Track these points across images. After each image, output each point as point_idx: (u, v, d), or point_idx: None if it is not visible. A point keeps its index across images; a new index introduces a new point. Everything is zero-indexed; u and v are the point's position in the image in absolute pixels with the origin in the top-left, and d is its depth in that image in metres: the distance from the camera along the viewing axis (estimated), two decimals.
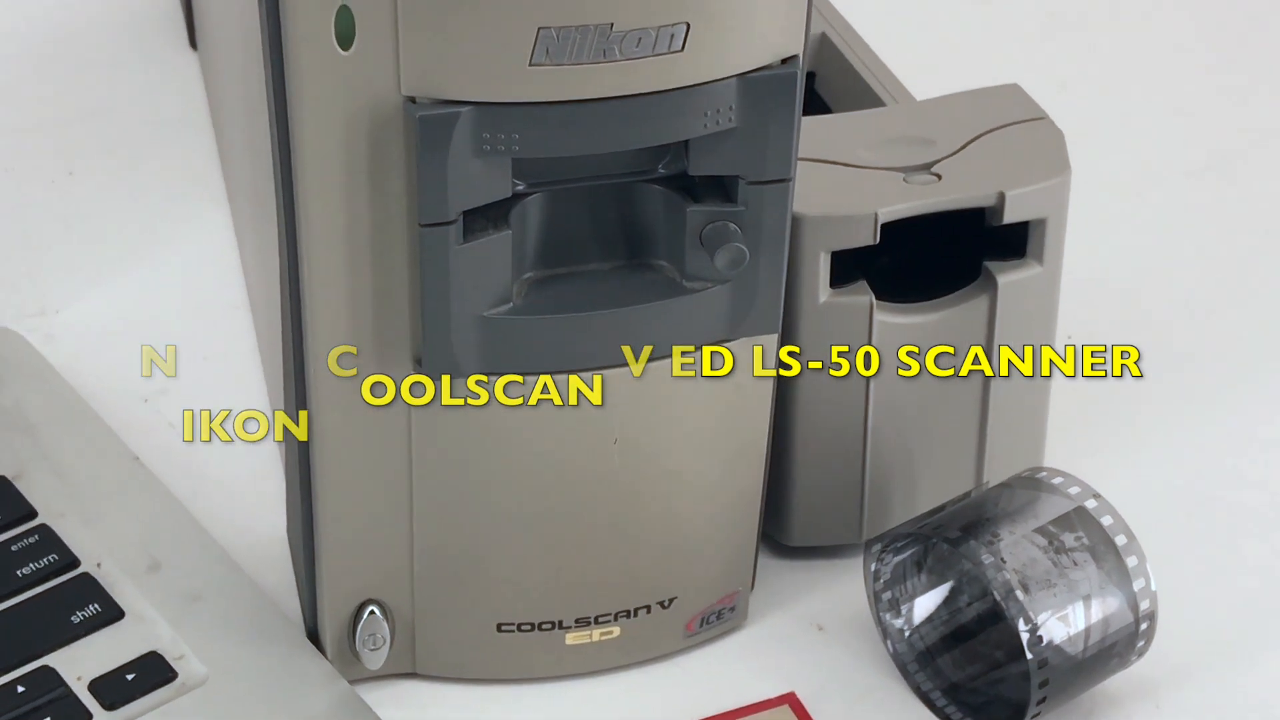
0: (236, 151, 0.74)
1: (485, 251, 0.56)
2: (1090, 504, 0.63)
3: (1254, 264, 0.83)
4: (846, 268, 0.65)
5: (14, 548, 0.66)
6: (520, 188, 0.56)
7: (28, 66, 0.91)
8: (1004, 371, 0.67)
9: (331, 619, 0.63)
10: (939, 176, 0.65)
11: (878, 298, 0.65)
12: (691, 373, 0.59)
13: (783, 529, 0.69)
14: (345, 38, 0.52)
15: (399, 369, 0.58)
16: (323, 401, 0.58)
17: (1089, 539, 0.62)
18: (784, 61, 0.55)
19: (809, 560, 0.70)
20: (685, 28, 0.53)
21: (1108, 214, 0.85)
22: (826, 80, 0.78)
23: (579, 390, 0.58)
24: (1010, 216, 0.65)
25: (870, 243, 0.64)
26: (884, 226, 0.64)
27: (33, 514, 0.67)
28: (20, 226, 0.83)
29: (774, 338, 0.60)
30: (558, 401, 0.58)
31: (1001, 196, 0.65)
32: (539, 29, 0.52)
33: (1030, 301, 0.67)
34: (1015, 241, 0.66)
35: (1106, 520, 0.63)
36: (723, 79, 0.54)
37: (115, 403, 0.74)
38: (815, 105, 0.78)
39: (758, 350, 0.60)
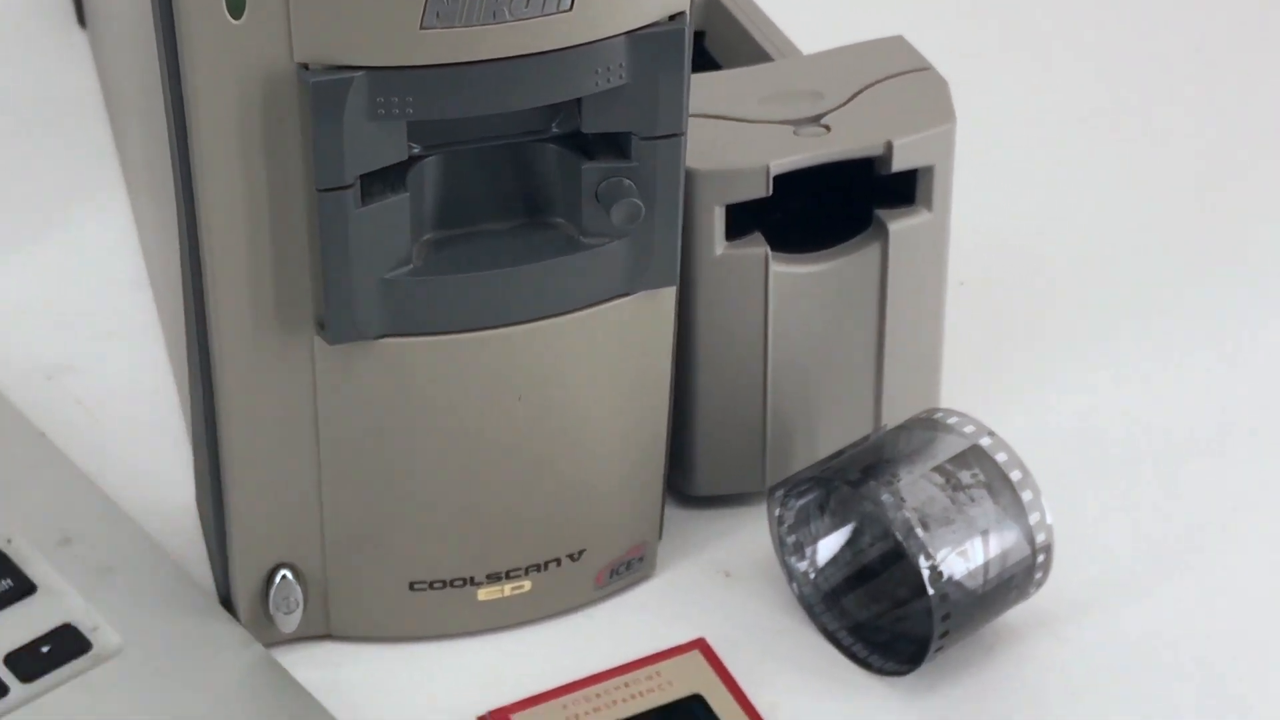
0: (131, 128, 0.75)
1: (383, 215, 0.56)
2: (985, 441, 0.64)
3: (1145, 208, 0.85)
4: (742, 220, 0.67)
5: None
6: (416, 150, 0.57)
7: None
8: (896, 318, 0.69)
9: (244, 584, 0.64)
10: (828, 128, 0.67)
11: (773, 249, 0.67)
12: (592, 328, 0.60)
13: (687, 479, 0.70)
14: (236, 6, 0.52)
15: (302, 334, 0.59)
16: (226, 369, 0.59)
17: (985, 475, 0.64)
18: (672, 18, 0.56)
19: (715, 509, 0.71)
20: None
21: (999, 161, 0.86)
22: (716, 38, 0.79)
23: (481, 349, 0.59)
24: (898, 165, 0.66)
25: (763, 195, 0.65)
26: (776, 179, 0.66)
27: None
28: None
29: (672, 290, 0.61)
30: (460, 361, 0.59)
31: (889, 146, 0.66)
32: None
33: (921, 248, 0.68)
34: (904, 190, 0.68)
35: (1001, 457, 0.64)
36: (612, 37, 0.55)
37: (18, 381, 0.75)
38: (705, 63, 0.78)
39: (656, 303, 0.61)
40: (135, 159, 0.76)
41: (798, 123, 0.67)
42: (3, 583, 0.65)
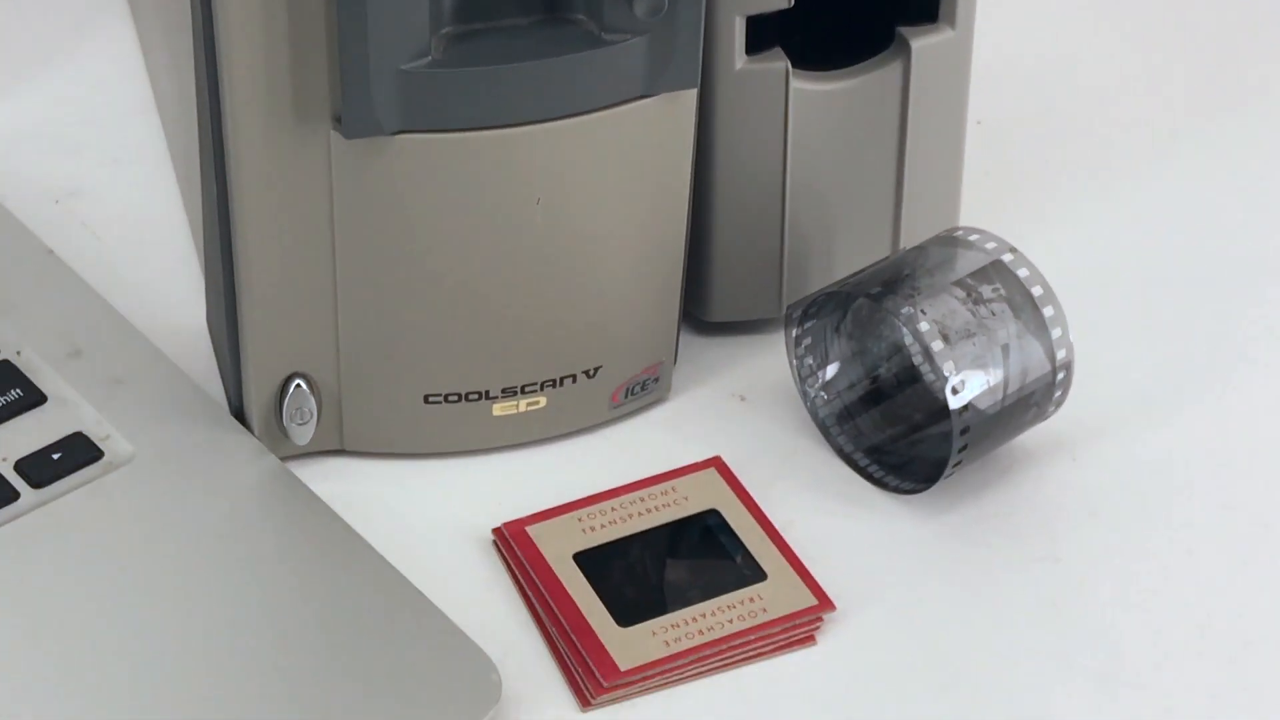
0: None
1: (402, 3, 0.55)
2: (1007, 258, 0.64)
3: (1168, 43, 0.84)
4: (763, 35, 0.65)
5: None
6: None
7: None
8: (917, 139, 0.68)
9: (258, 394, 0.63)
10: None
11: (794, 66, 0.66)
12: (612, 129, 0.59)
13: (703, 305, 0.69)
14: None
15: (318, 130, 0.58)
16: (242, 167, 0.58)
17: (1006, 290, 0.63)
18: None
19: (730, 336, 0.70)
20: None
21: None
22: None
23: (499, 148, 0.58)
24: None
25: (784, 5, 0.64)
26: None
27: None
28: None
29: (693, 95, 0.61)
30: (478, 160, 0.58)
31: None
32: None
33: (943, 66, 0.67)
34: (928, 6, 0.67)
35: (1023, 272, 0.64)
36: None
37: (27, 205, 0.74)
38: None
39: (677, 107, 0.60)
40: None
41: None
42: (12, 393, 0.64)
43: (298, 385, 0.63)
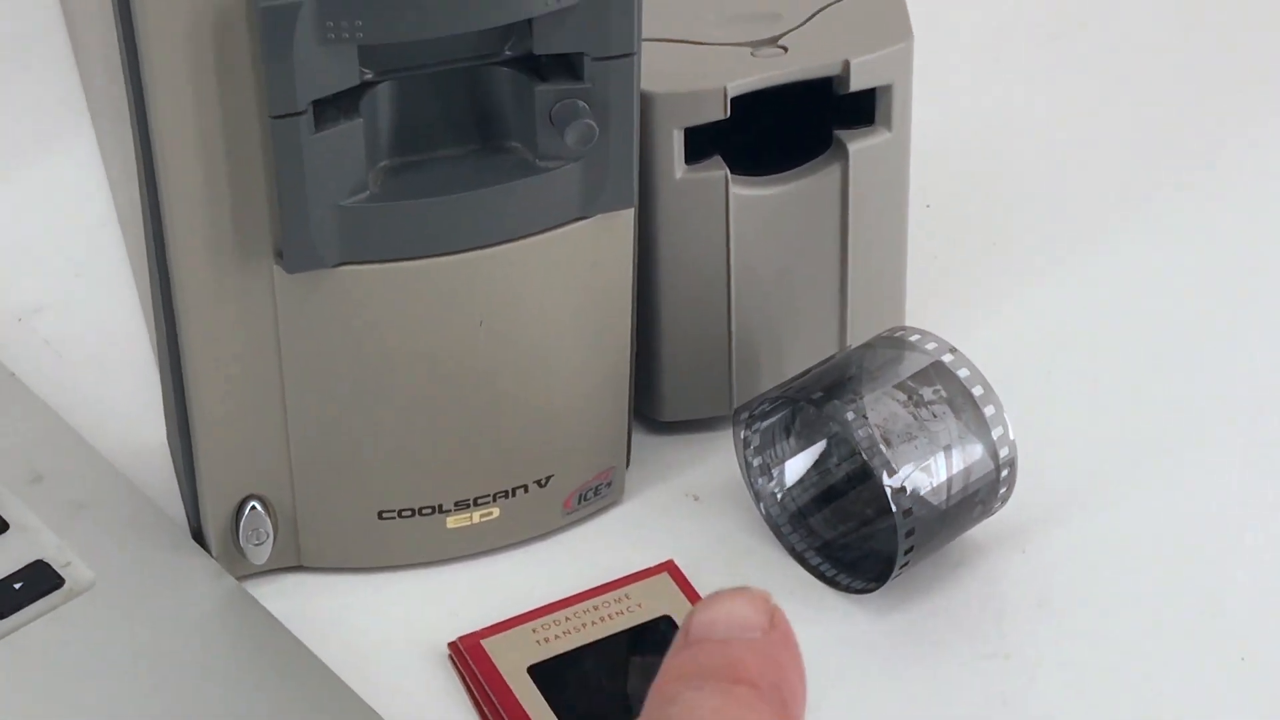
0: (93, 62, 0.75)
1: (338, 140, 0.56)
2: (947, 358, 0.65)
3: (1110, 124, 0.85)
4: (702, 143, 0.67)
5: None
6: (369, 76, 0.57)
7: None
8: (859, 238, 0.69)
9: (214, 516, 0.64)
10: (785, 49, 0.67)
11: (734, 172, 0.67)
12: (550, 252, 0.60)
13: (655, 405, 0.70)
14: None
15: (261, 263, 0.59)
16: (187, 300, 0.59)
17: (947, 391, 0.64)
18: None
19: (683, 434, 0.71)
20: None
21: (964, 79, 0.86)
22: None
23: (441, 275, 0.59)
24: (856, 84, 0.66)
25: (720, 117, 0.65)
26: (735, 100, 0.66)
27: None
28: None
29: (630, 213, 0.62)
30: (420, 287, 0.59)
31: (846, 65, 0.66)
32: None
33: (882, 167, 0.68)
34: (864, 109, 0.68)
35: (963, 373, 0.65)
36: None
37: None
38: None
39: (614, 226, 0.61)
40: (99, 93, 0.76)
41: (755, 44, 0.67)
42: None
43: (253, 507, 0.64)
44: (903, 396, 0.64)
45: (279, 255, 0.58)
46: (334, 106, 0.56)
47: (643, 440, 0.71)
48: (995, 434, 0.64)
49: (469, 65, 0.58)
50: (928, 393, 0.64)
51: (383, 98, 0.57)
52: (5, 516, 0.66)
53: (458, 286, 0.60)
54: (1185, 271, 0.78)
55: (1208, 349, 0.74)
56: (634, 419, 0.70)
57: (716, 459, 0.70)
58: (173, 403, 0.63)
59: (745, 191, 0.67)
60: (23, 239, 0.79)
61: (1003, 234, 0.80)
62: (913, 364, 0.65)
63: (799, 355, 0.70)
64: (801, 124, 0.68)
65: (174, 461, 0.68)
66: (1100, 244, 0.79)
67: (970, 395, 0.64)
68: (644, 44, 0.65)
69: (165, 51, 0.54)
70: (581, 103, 0.58)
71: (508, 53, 0.58)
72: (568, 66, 0.58)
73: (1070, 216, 0.80)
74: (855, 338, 0.71)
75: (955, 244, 0.79)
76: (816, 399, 0.64)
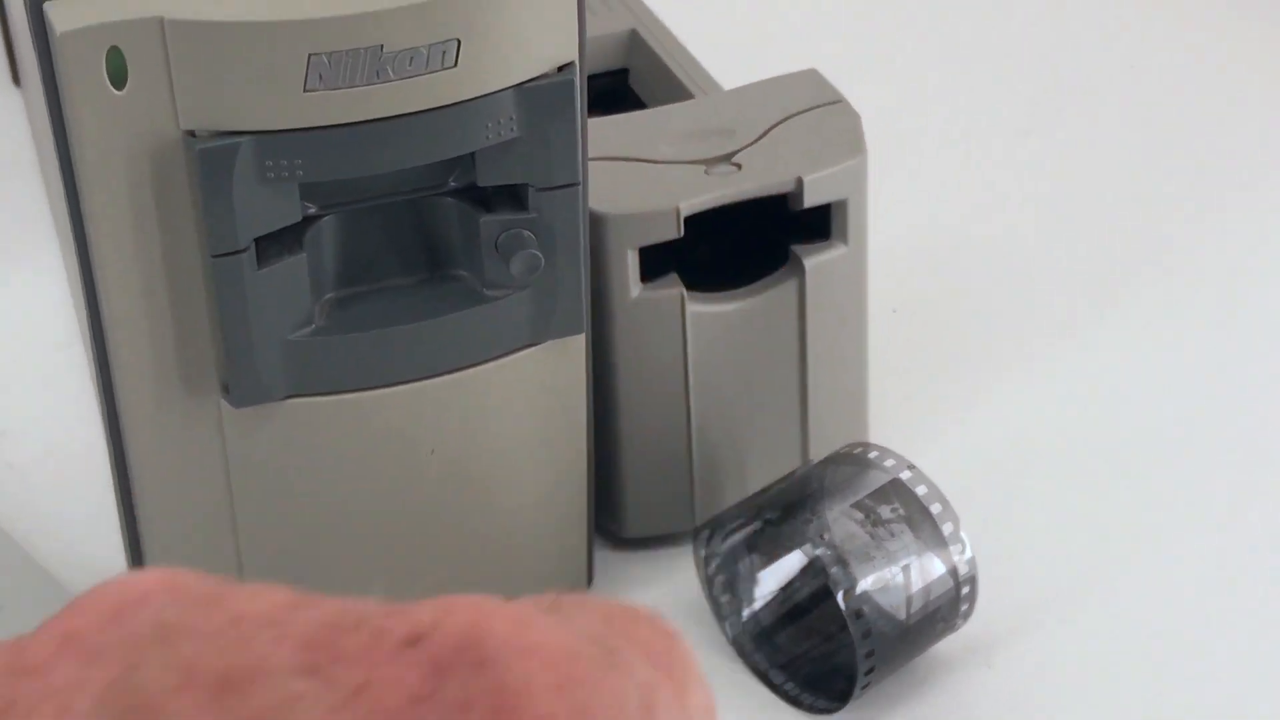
0: (52, 183, 0.75)
1: (281, 276, 0.56)
2: (905, 475, 0.64)
3: (1070, 228, 0.85)
4: (658, 261, 0.66)
5: None
6: (312, 210, 0.57)
7: None
8: (818, 352, 0.69)
9: None
10: (739, 166, 0.67)
11: (692, 288, 0.67)
12: (501, 379, 0.60)
13: (617, 522, 0.70)
14: (118, 78, 0.52)
15: (208, 396, 0.59)
16: (135, 432, 0.59)
17: (905, 509, 0.64)
18: (561, 69, 0.56)
19: (646, 551, 0.71)
20: (456, 44, 0.53)
21: (928, 187, 0.86)
22: (639, 76, 0.79)
23: (389, 405, 0.59)
24: (810, 200, 0.66)
25: (674, 236, 0.65)
26: (692, 218, 0.66)
27: None
28: None
29: (581, 337, 0.61)
30: (369, 418, 0.59)
31: (799, 182, 0.66)
32: (310, 55, 0.52)
33: (838, 281, 0.68)
34: (819, 224, 0.68)
35: (921, 490, 0.64)
36: (499, 91, 0.55)
37: None
38: (629, 100, 0.79)
39: (565, 351, 0.61)
40: (59, 214, 0.76)
41: (709, 162, 0.67)
42: None
43: None
44: (860, 515, 0.63)
45: (225, 389, 0.58)
46: (277, 242, 0.56)
47: (605, 557, 0.70)
48: (954, 551, 0.64)
49: (414, 197, 0.58)
50: (885, 511, 0.64)
51: (327, 231, 0.57)
52: None
53: (407, 416, 0.60)
54: (1148, 380, 0.77)
55: (1171, 458, 0.74)
56: (596, 535, 0.69)
57: (680, 575, 0.70)
58: (125, 528, 0.63)
59: (702, 308, 0.67)
60: None
61: (969, 340, 0.79)
62: (871, 481, 0.64)
63: (761, 469, 0.70)
64: (758, 238, 0.68)
65: None
66: (1066, 351, 0.79)
67: (928, 512, 0.64)
68: (597, 163, 0.65)
69: (104, 189, 0.54)
70: (527, 233, 0.58)
71: (453, 184, 0.58)
72: (513, 196, 0.58)
73: (1036, 322, 0.80)
74: (817, 450, 0.70)
75: (921, 351, 0.79)
76: (774, 519, 0.64)
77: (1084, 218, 0.85)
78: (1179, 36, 0.96)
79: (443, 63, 0.54)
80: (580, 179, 0.58)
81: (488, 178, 0.57)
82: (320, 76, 0.53)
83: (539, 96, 0.56)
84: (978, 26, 0.96)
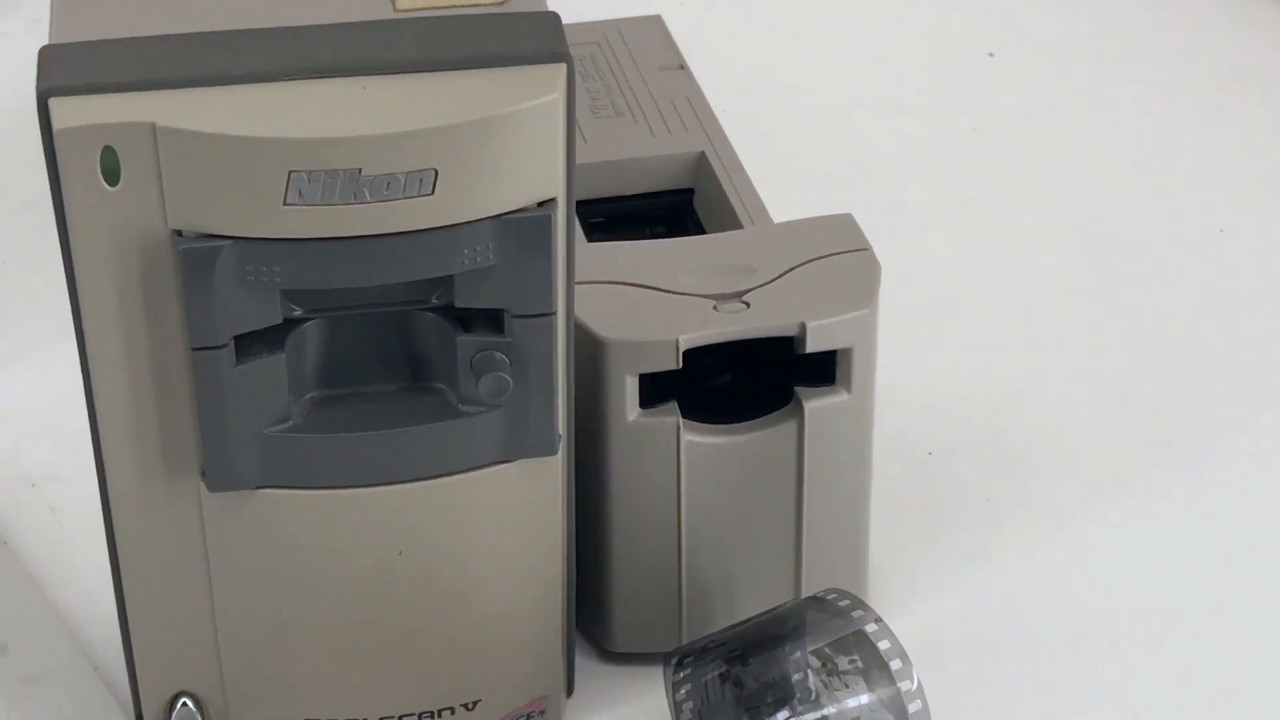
0: None
1: (259, 373, 0.59)
2: (870, 628, 0.65)
3: (1118, 380, 0.84)
4: (661, 387, 0.68)
5: None
6: (297, 313, 0.59)
7: None
8: (815, 493, 0.69)
9: (149, 709, 0.66)
10: (748, 304, 0.68)
11: (690, 417, 0.68)
12: (471, 491, 0.62)
13: (605, 634, 0.71)
14: (111, 175, 0.55)
15: (189, 479, 0.61)
16: (119, 508, 0.62)
17: (864, 662, 0.64)
18: (541, 204, 0.58)
19: (633, 665, 0.72)
20: (434, 173, 0.56)
21: (979, 336, 0.86)
22: (702, 197, 0.80)
23: (359, 504, 0.61)
24: (813, 346, 0.67)
25: (673, 367, 0.67)
26: (701, 349, 0.67)
27: None
28: None
29: (555, 459, 0.63)
30: (338, 515, 0.61)
31: (803, 327, 0.67)
32: (290, 172, 0.55)
33: (839, 428, 0.69)
34: (825, 368, 0.69)
35: (884, 645, 0.65)
36: (476, 221, 0.57)
37: (2, 486, 0.78)
38: (690, 221, 0.80)
39: (540, 470, 0.63)
40: None
41: (720, 297, 0.68)
42: None
43: (184, 704, 0.66)
44: (817, 664, 0.64)
45: (203, 473, 0.61)
46: (259, 340, 0.59)
47: (591, 667, 0.72)
48: (910, 709, 0.64)
49: (396, 310, 0.60)
50: (844, 661, 0.64)
51: (310, 335, 0.60)
52: None
53: (376, 517, 0.62)
54: (1174, 564, 0.76)
55: (1183, 653, 0.73)
56: (586, 645, 0.71)
57: (662, 693, 0.71)
58: (116, 595, 0.66)
59: (698, 439, 0.68)
60: (53, 406, 0.82)
61: (1001, 492, 0.79)
62: (835, 629, 0.65)
63: (752, 598, 0.71)
64: (767, 374, 0.69)
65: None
66: (1098, 518, 0.78)
67: (887, 667, 0.64)
68: (609, 287, 0.67)
69: (95, 276, 0.57)
70: (500, 355, 0.59)
71: (435, 301, 0.60)
72: (492, 318, 0.60)
73: (1071, 484, 0.80)
74: (812, 584, 0.71)
75: (948, 497, 0.79)
76: (738, 654, 0.65)
77: (1137, 384, 0.84)
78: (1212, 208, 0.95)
79: (419, 189, 0.56)
80: (555, 309, 0.59)
81: (465, 300, 0.59)
82: (299, 192, 0.55)
83: (516, 229, 0.58)
84: (1034, 183, 0.96)
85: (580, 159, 0.80)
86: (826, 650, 0.64)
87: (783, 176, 0.88)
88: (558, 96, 0.57)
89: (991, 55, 1.02)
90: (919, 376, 0.83)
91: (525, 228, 0.58)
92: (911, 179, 0.95)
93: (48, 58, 0.56)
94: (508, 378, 0.59)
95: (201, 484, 0.61)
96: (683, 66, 0.86)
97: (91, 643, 0.72)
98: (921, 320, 0.86)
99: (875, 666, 0.64)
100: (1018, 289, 0.89)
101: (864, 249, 0.70)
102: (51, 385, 0.83)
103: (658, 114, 0.83)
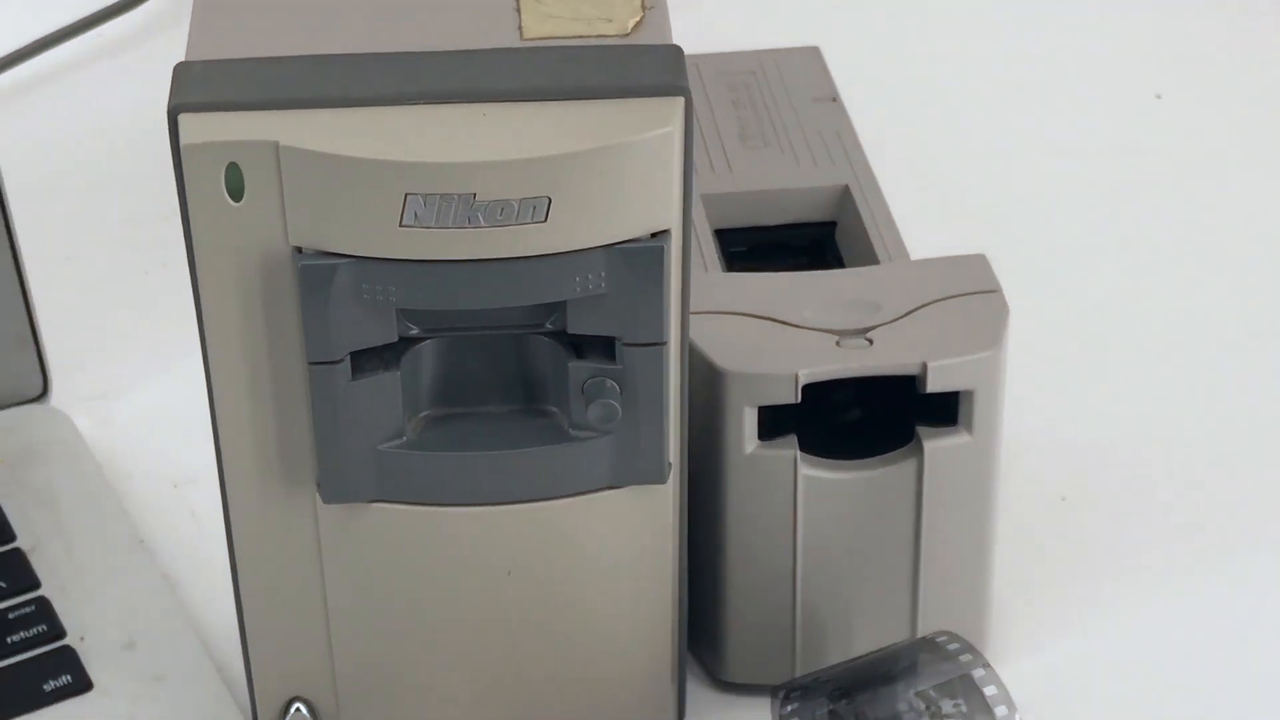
0: None
1: (374, 390, 0.60)
2: (977, 673, 0.65)
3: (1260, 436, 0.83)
4: (781, 419, 0.68)
5: (11, 615, 0.73)
6: (414, 332, 0.60)
7: (147, 161, 0.98)
8: (934, 534, 0.69)
9: (264, 712, 0.68)
10: (870, 341, 0.68)
11: (810, 452, 0.68)
12: (580, 515, 0.63)
13: (720, 665, 0.72)
14: (235, 191, 0.57)
15: (306, 490, 0.63)
16: (238, 518, 0.63)
17: (968, 707, 0.64)
18: (654, 235, 0.58)
19: (748, 696, 0.72)
20: (547, 201, 0.56)
21: (1118, 379, 0.85)
22: (843, 231, 0.81)
23: (470, 523, 0.62)
24: (934, 386, 0.67)
25: (792, 401, 0.67)
26: (823, 384, 0.67)
27: (36, 585, 0.74)
28: (111, 314, 0.90)
29: (666, 487, 0.63)
30: (449, 532, 0.62)
31: (924, 366, 0.67)
32: (406, 194, 0.56)
33: (960, 469, 0.68)
34: (949, 409, 0.68)
35: (990, 690, 0.64)
36: (588, 250, 0.58)
37: (147, 486, 0.81)
38: (831, 254, 0.80)
39: (650, 497, 0.63)
40: None
41: (843, 333, 0.68)
42: (64, 678, 0.71)
43: (297, 709, 0.67)
44: (921, 705, 0.64)
45: (318, 484, 0.62)
46: (376, 357, 0.60)
47: (704, 696, 0.72)
48: None
49: (512, 333, 0.61)
50: (947, 705, 0.64)
51: (426, 354, 0.61)
52: (92, 677, 0.71)
53: (485, 536, 0.63)
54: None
55: None
56: (700, 673, 0.71)
57: None
58: (237, 605, 0.67)
59: (815, 473, 0.68)
60: (197, 410, 0.84)
61: (1132, 542, 0.78)
62: (941, 673, 0.65)
63: (867, 634, 0.71)
64: (889, 412, 0.69)
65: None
66: (1239, 572, 0.76)
67: (992, 713, 0.64)
68: (733, 318, 0.68)
69: (218, 291, 0.59)
70: (611, 382, 0.60)
71: (549, 325, 0.61)
72: (604, 345, 0.60)
73: (1210, 535, 0.78)
74: (929, 624, 0.71)
75: (1081, 544, 0.78)
76: (835, 695, 0.65)
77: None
78: None
79: (533, 216, 0.57)
80: (666, 339, 0.60)
81: (576, 326, 0.59)
82: (415, 214, 0.56)
83: (628, 259, 0.58)
84: (1193, 230, 0.94)
85: (725, 188, 0.81)
86: (931, 693, 0.64)
87: (931, 213, 0.87)
88: (674, 129, 0.57)
89: (1159, 97, 1.01)
90: (1057, 420, 0.82)
91: (637, 258, 0.58)
92: (1065, 221, 0.94)
93: (181, 74, 0.58)
94: (616, 405, 0.60)
95: (317, 496, 0.63)
96: (835, 99, 0.86)
97: (217, 644, 0.73)
98: (1065, 364, 0.85)
99: (980, 711, 0.64)
100: (1169, 336, 0.88)
101: (994, 290, 0.70)
102: (190, 394, 0.85)
103: (805, 146, 0.83)
